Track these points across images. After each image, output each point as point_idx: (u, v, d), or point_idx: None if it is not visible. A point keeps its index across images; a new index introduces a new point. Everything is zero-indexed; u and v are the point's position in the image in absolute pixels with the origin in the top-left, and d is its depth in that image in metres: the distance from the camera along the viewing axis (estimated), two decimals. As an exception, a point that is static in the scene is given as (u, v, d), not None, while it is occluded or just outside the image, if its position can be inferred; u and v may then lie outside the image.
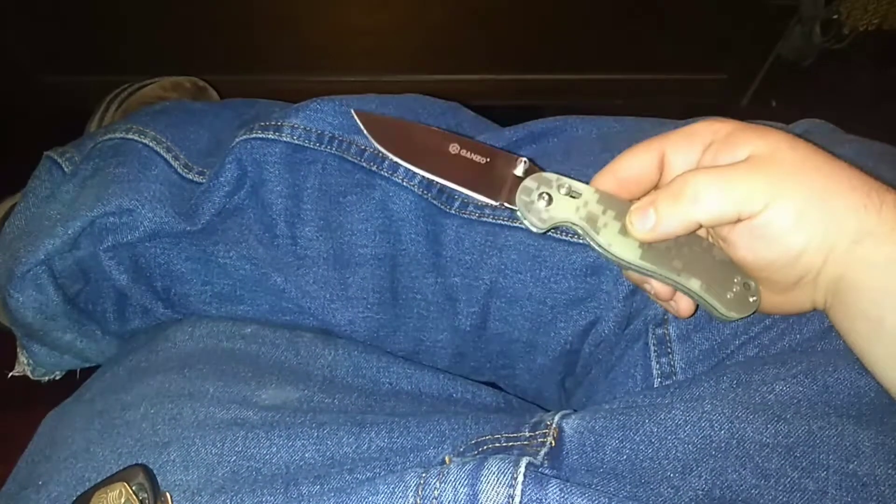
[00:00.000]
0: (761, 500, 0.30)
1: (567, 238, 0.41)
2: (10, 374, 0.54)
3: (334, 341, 0.44)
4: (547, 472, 0.32)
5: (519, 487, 0.30)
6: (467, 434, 0.37)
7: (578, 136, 0.46)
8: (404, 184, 0.42)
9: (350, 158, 0.43)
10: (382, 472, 0.35)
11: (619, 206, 0.33)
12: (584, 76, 0.94)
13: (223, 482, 0.34)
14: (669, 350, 0.39)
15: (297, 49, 0.88)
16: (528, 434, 0.35)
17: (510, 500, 0.29)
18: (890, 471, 0.29)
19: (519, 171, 0.35)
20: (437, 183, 0.38)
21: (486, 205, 0.36)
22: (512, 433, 0.36)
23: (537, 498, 0.29)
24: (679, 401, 0.34)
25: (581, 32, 0.88)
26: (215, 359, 0.41)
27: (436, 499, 0.30)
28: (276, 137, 0.43)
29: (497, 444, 0.35)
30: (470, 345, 0.47)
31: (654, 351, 0.39)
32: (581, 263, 0.41)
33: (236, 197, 0.44)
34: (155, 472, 0.34)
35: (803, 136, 0.42)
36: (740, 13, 0.87)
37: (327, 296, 0.44)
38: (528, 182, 0.35)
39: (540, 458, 0.33)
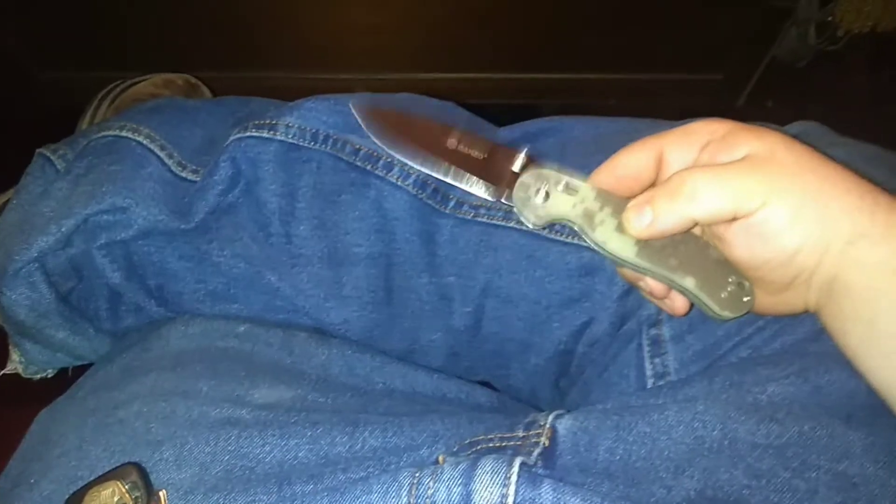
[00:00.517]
0: (753, 500, 0.30)
1: (562, 238, 0.41)
2: (2, 372, 0.54)
3: (328, 340, 0.44)
4: (540, 471, 0.32)
5: (512, 487, 0.30)
6: (461, 434, 0.37)
7: (574, 137, 0.46)
8: (399, 183, 0.42)
9: (345, 158, 0.43)
10: (376, 472, 0.35)
11: (616, 203, 0.33)
12: (581, 76, 0.94)
13: (216, 481, 0.34)
14: (663, 350, 0.39)
15: (293, 46, 0.88)
16: (521, 434, 0.35)
17: (504, 499, 0.29)
18: (880, 471, 0.29)
19: (517, 166, 0.35)
20: (433, 179, 0.38)
21: (484, 200, 0.36)
22: (506, 433, 0.36)
23: (531, 497, 0.30)
24: (672, 401, 0.34)
25: (578, 33, 0.88)
26: (209, 357, 0.41)
27: (429, 498, 0.30)
28: (271, 136, 0.43)
29: (491, 444, 0.35)
30: (464, 344, 0.47)
31: (648, 351, 0.39)
32: (575, 264, 0.41)
33: (230, 195, 0.43)
34: (148, 470, 0.33)
35: (797, 138, 0.42)
36: (736, 14, 0.87)
37: (321, 295, 0.44)
38: (524, 178, 0.35)
39: (533, 458, 0.33)
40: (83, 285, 0.46)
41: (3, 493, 0.36)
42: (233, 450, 0.35)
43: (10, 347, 0.53)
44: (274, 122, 0.43)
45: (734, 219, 0.30)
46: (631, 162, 0.33)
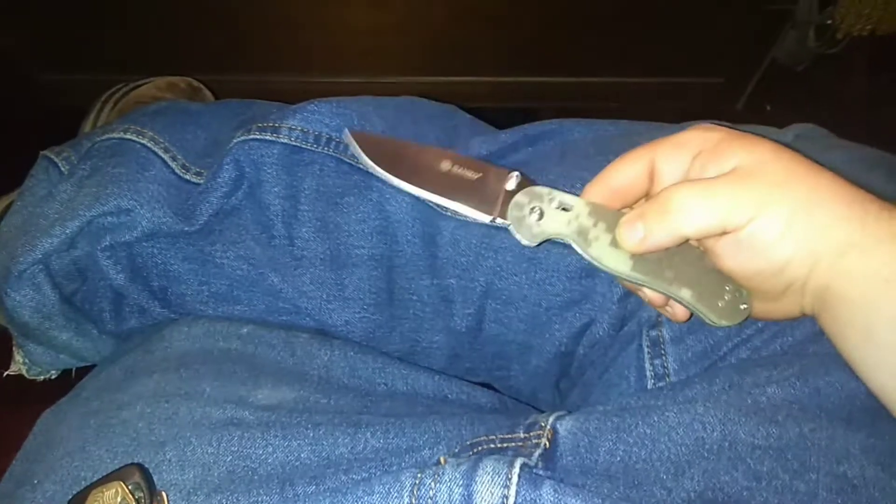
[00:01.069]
0: (753, 502, 0.30)
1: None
2: (6, 374, 0.54)
3: (330, 342, 0.44)
4: (541, 472, 0.33)
5: (513, 488, 0.30)
6: (462, 435, 0.37)
7: (574, 139, 0.46)
8: (401, 186, 0.43)
9: (347, 160, 0.43)
10: (378, 473, 0.35)
11: (610, 217, 0.34)
12: (581, 79, 0.94)
13: (219, 482, 0.34)
14: (663, 352, 0.39)
15: (295, 49, 0.88)
16: (522, 435, 0.35)
17: (504, 500, 0.30)
18: (880, 473, 0.30)
19: (510, 185, 0.36)
20: (430, 201, 0.38)
21: (479, 221, 0.36)
22: (507, 434, 0.36)
23: (531, 498, 0.30)
24: (672, 403, 0.34)
25: (577, 36, 0.88)
26: (211, 359, 0.41)
27: (431, 499, 0.30)
28: (274, 138, 0.43)
29: (492, 445, 0.35)
30: (465, 346, 0.47)
31: (648, 353, 0.39)
32: (576, 266, 0.42)
33: (234, 198, 0.44)
34: (151, 471, 0.34)
35: (795, 141, 0.42)
36: (735, 18, 0.87)
37: (324, 296, 0.45)
38: (518, 197, 0.35)
39: (534, 458, 0.33)
40: (87, 287, 0.46)
41: (7, 493, 0.36)
42: (235, 451, 0.35)
43: (14, 349, 0.53)
44: (277, 124, 0.44)
45: (724, 233, 0.30)
46: (623, 173, 0.33)
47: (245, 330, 0.44)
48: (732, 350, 0.37)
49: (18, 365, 0.53)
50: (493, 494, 0.30)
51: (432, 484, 0.31)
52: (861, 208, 0.28)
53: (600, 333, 0.43)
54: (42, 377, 0.55)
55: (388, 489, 0.31)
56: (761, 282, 0.31)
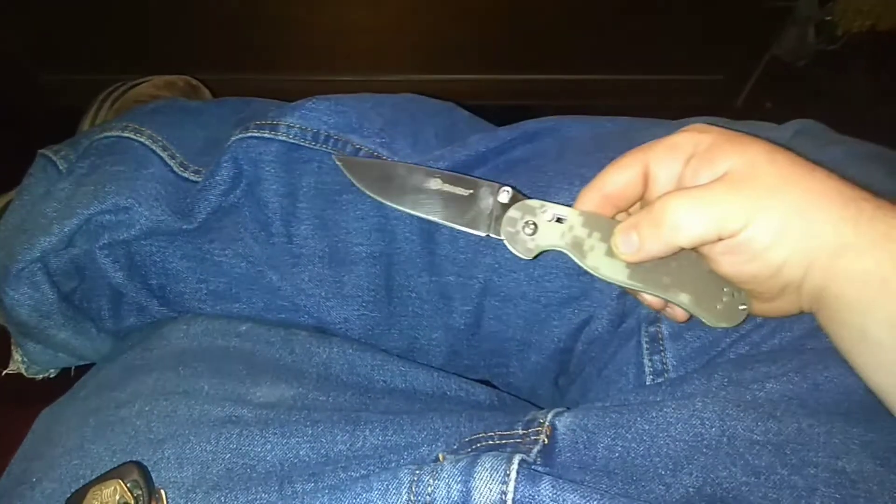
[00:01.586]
0: (752, 497, 0.30)
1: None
2: (5, 372, 0.54)
3: (329, 339, 0.44)
4: (540, 469, 0.33)
5: (512, 484, 0.30)
6: (461, 432, 0.37)
7: (573, 136, 0.46)
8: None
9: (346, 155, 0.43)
10: (376, 470, 0.35)
11: (605, 226, 0.34)
12: (580, 77, 0.94)
13: (217, 480, 0.34)
14: (661, 348, 0.39)
15: (294, 48, 0.88)
16: (521, 432, 0.35)
17: (503, 496, 0.30)
18: (878, 468, 0.30)
19: (503, 199, 0.36)
20: (424, 220, 0.38)
21: (473, 237, 0.37)
22: (505, 431, 0.36)
23: (530, 495, 0.30)
24: (671, 398, 0.34)
25: (577, 34, 0.88)
26: (210, 356, 0.41)
27: (429, 495, 0.30)
28: (272, 136, 0.43)
29: (490, 442, 0.35)
30: (464, 343, 0.47)
31: (647, 349, 0.39)
32: (574, 263, 0.42)
33: (232, 195, 0.44)
34: (149, 469, 0.34)
35: (795, 137, 0.42)
36: (735, 14, 0.87)
37: (322, 294, 0.45)
38: (511, 212, 0.35)
39: (533, 455, 0.33)
40: (85, 285, 0.46)
41: (6, 491, 0.36)
42: (234, 448, 0.35)
43: (13, 347, 0.53)
44: (275, 122, 0.44)
45: (719, 239, 0.30)
46: (617, 179, 0.33)
47: (244, 328, 0.44)
48: (731, 346, 0.37)
49: (17, 363, 0.53)
50: (491, 491, 0.30)
51: (431, 481, 0.31)
52: (856, 208, 0.28)
53: (599, 330, 0.42)
54: (41, 376, 0.55)
55: (387, 486, 0.31)
56: (758, 284, 0.31)
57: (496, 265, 0.43)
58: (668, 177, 0.32)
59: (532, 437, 0.34)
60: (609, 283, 0.35)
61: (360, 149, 0.43)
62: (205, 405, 0.37)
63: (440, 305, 0.45)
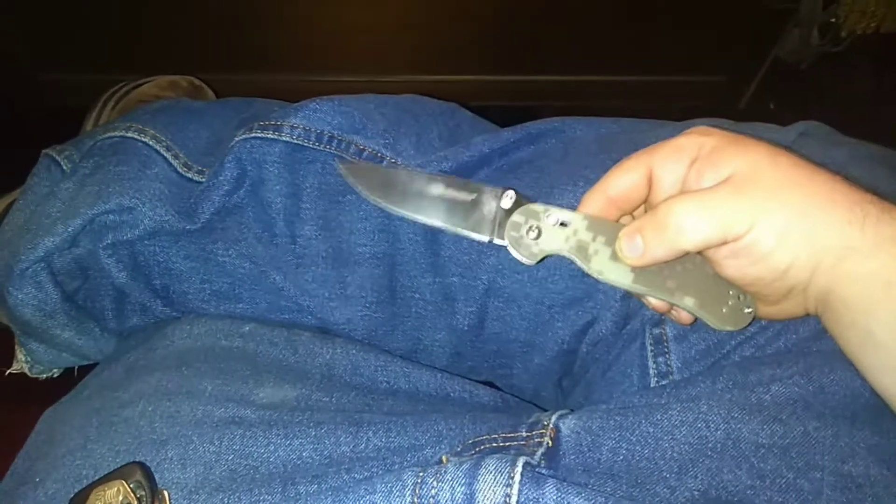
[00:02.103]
0: (757, 501, 0.30)
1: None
2: (8, 372, 0.54)
3: (332, 340, 0.44)
4: (544, 471, 0.32)
5: (516, 487, 0.30)
6: (464, 433, 0.37)
7: (576, 137, 0.46)
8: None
9: (349, 158, 0.43)
10: (380, 472, 0.35)
11: (609, 230, 0.33)
12: (583, 77, 0.94)
13: (221, 481, 0.34)
14: (666, 350, 0.39)
15: (297, 48, 0.88)
16: (525, 434, 0.35)
17: (507, 499, 0.30)
18: (884, 471, 0.29)
19: (506, 203, 0.36)
20: (426, 225, 0.38)
21: (477, 242, 0.36)
22: (509, 433, 0.36)
23: (534, 497, 0.30)
24: (675, 401, 0.34)
25: (580, 34, 0.88)
26: (213, 357, 0.41)
27: (433, 498, 0.30)
28: (276, 137, 0.43)
29: (494, 444, 0.35)
30: (467, 344, 0.47)
31: (651, 351, 0.39)
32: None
33: (236, 196, 0.44)
34: (152, 469, 0.34)
35: (799, 139, 0.42)
36: (738, 16, 0.87)
37: (326, 294, 0.44)
38: (515, 217, 0.35)
39: (537, 457, 0.33)
40: (89, 285, 0.46)
41: (9, 491, 0.36)
42: (237, 449, 0.35)
43: (16, 347, 0.53)
44: (279, 122, 0.44)
45: (724, 243, 0.30)
46: (621, 182, 0.33)
47: (247, 328, 0.44)
48: (736, 348, 0.37)
49: (20, 363, 0.53)
50: (495, 493, 0.30)
51: (434, 483, 0.30)
52: (861, 211, 0.28)
53: (603, 331, 0.42)
54: (44, 376, 0.55)
55: (391, 488, 0.31)
56: (763, 287, 0.31)
57: (500, 266, 0.43)
58: (672, 180, 0.32)
59: (536, 440, 0.34)
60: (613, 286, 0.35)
61: (363, 149, 0.43)
62: (208, 406, 0.37)
63: (444, 306, 0.45)
